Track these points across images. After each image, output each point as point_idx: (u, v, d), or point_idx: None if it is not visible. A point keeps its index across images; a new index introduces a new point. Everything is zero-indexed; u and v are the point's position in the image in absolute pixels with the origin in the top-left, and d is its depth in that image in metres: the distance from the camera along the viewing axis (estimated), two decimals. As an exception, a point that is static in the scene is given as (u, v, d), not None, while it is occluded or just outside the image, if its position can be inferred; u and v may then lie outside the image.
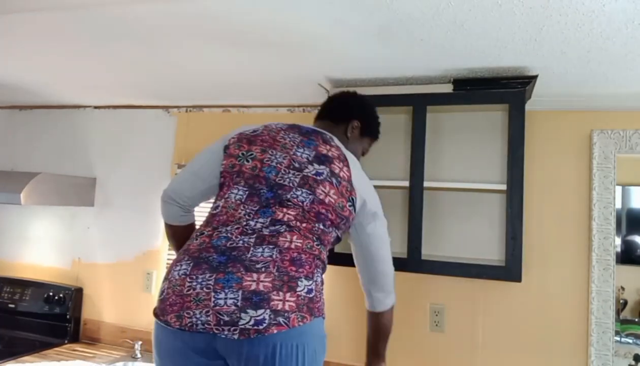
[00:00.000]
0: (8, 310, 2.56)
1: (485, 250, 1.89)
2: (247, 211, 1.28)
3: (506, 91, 1.71)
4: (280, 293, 1.15)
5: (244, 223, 1.26)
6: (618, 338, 1.83)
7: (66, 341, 2.47)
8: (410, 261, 1.78)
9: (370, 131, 1.64)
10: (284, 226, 1.25)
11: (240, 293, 1.13)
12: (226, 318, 1.12)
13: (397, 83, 1.85)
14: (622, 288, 1.85)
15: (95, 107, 2.70)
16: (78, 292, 2.53)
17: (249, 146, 1.37)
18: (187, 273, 1.20)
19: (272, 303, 1.13)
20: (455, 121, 1.97)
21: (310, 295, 1.19)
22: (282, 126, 1.43)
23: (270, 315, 1.12)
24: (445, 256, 1.89)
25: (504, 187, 1.74)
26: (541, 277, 1.90)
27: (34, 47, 1.74)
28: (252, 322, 1.11)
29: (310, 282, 1.21)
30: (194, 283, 1.17)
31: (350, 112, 1.59)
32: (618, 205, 1.84)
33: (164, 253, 2.45)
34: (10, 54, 1.84)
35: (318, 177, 1.30)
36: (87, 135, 2.70)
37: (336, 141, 1.43)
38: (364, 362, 1.61)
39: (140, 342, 2.31)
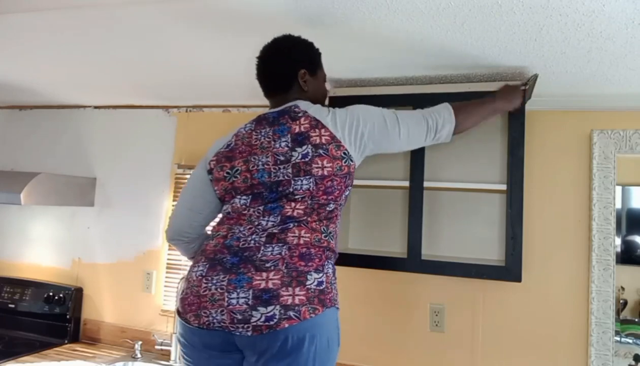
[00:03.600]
0: (8, 310, 2.56)
1: (485, 250, 1.89)
2: (256, 211, 1.32)
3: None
4: (290, 289, 1.18)
5: (256, 223, 1.30)
6: (618, 338, 1.82)
7: (66, 341, 2.47)
8: (410, 261, 1.78)
9: (316, 63, 1.48)
10: (292, 222, 1.27)
11: (250, 292, 1.18)
12: (239, 317, 1.18)
13: (397, 83, 1.85)
14: (622, 288, 1.85)
15: (95, 107, 2.70)
16: (78, 292, 2.54)
17: (230, 163, 1.39)
18: (204, 274, 1.26)
19: (282, 299, 1.17)
20: (455, 121, 1.96)
21: (321, 287, 1.22)
22: (251, 127, 1.41)
23: (280, 311, 1.16)
24: (445, 256, 1.89)
25: (504, 187, 1.74)
26: (541, 277, 1.90)
27: (34, 47, 1.74)
28: (263, 319, 1.16)
29: (321, 274, 1.24)
30: (210, 284, 1.23)
31: (290, 72, 1.43)
32: (618, 205, 1.84)
33: (164, 253, 2.45)
34: (10, 54, 1.84)
35: (306, 159, 1.30)
36: (87, 135, 2.70)
37: (301, 107, 1.38)
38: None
39: (140, 342, 2.31)
